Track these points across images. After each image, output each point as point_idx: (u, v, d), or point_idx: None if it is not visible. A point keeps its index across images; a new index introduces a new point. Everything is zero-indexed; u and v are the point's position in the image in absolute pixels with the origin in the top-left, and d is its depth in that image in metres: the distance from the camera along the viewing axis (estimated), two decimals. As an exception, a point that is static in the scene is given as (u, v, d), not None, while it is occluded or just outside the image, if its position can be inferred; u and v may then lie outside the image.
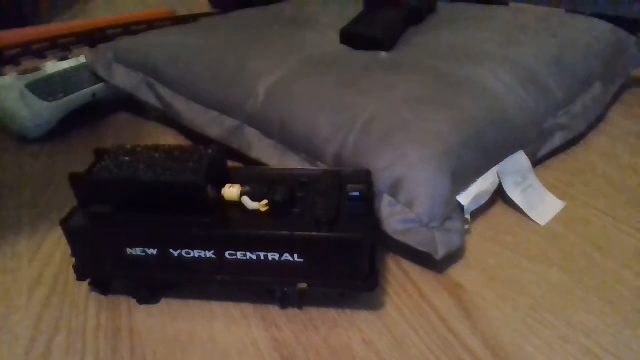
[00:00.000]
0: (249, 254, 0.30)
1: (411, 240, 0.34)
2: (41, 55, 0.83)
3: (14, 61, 0.80)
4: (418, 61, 0.48)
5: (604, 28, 0.58)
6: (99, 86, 0.59)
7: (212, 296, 0.34)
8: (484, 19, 0.59)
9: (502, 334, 0.30)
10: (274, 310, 0.33)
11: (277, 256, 0.30)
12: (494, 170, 0.39)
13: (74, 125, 0.58)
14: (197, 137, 0.52)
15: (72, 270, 0.36)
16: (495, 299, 0.33)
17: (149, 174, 0.29)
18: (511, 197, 0.40)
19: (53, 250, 0.39)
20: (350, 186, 0.33)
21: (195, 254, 0.31)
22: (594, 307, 0.32)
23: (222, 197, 0.32)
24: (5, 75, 0.55)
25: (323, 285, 0.31)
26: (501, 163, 0.40)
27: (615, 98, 0.61)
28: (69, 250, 0.32)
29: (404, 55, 0.50)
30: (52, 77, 0.56)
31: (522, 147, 0.42)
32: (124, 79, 0.57)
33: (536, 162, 0.46)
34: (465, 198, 0.37)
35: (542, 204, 0.41)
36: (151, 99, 0.55)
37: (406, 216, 0.35)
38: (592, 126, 0.54)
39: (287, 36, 0.56)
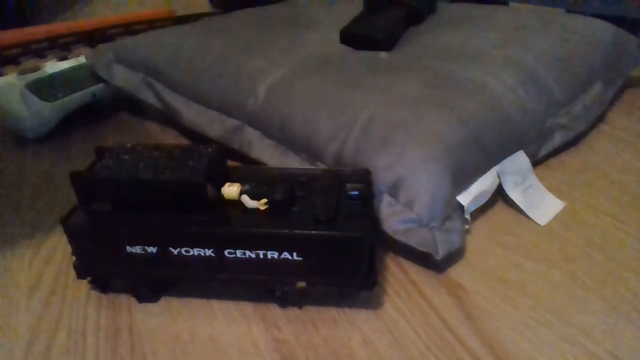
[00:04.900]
0: (248, 253, 0.30)
1: (411, 240, 0.34)
2: (41, 55, 0.83)
3: (14, 61, 0.80)
4: (418, 61, 0.48)
5: (604, 28, 0.58)
6: (99, 86, 0.59)
7: (212, 296, 0.34)
8: (484, 19, 0.59)
9: (502, 334, 0.30)
10: (274, 310, 0.33)
11: (276, 255, 0.30)
12: (494, 170, 0.39)
13: (74, 125, 0.58)
14: (197, 137, 0.52)
15: (72, 270, 0.36)
16: (495, 299, 0.33)
17: (149, 172, 0.29)
18: (511, 197, 0.40)
19: (53, 250, 0.39)
20: (349, 185, 0.33)
21: (194, 252, 0.31)
22: (594, 307, 0.32)
23: (222, 196, 0.32)
24: (5, 75, 0.55)
25: (322, 283, 0.31)
26: (501, 163, 0.40)
27: (615, 98, 0.61)
28: (69, 250, 0.32)
29: (404, 55, 0.50)
30: (52, 77, 0.56)
31: (522, 147, 0.42)
32: (124, 79, 0.57)
33: (536, 162, 0.46)
34: (465, 198, 0.37)
35: (542, 204, 0.41)
36: (151, 99, 0.55)
37: (406, 216, 0.35)
38: (592, 126, 0.54)
39: (287, 36, 0.56)
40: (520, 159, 0.41)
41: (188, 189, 0.29)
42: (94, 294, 0.34)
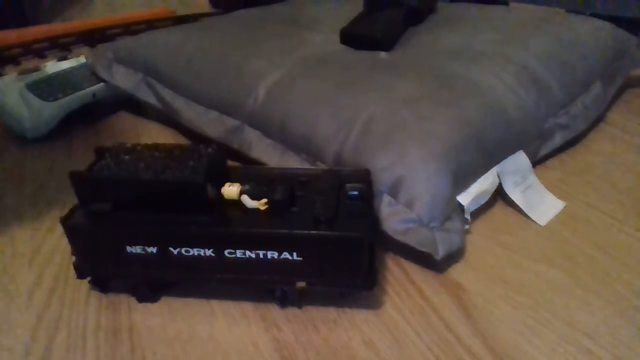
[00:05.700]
0: (248, 253, 0.30)
1: (411, 240, 0.34)
2: (41, 55, 0.83)
3: (14, 61, 0.80)
4: (418, 61, 0.48)
5: (604, 28, 0.58)
6: (99, 86, 0.59)
7: (212, 295, 0.34)
8: (484, 18, 0.59)
9: (502, 334, 0.30)
10: (274, 310, 0.33)
11: (276, 254, 0.30)
12: (494, 170, 0.39)
13: (74, 125, 0.58)
14: (197, 137, 0.52)
15: (72, 270, 0.36)
16: (495, 299, 0.33)
17: (149, 172, 0.29)
18: (511, 197, 0.40)
19: (53, 250, 0.39)
20: (349, 185, 0.33)
21: (194, 252, 0.31)
22: (594, 307, 0.32)
23: (222, 196, 0.32)
24: (5, 75, 0.55)
25: (322, 284, 0.31)
26: (501, 163, 0.40)
27: (615, 98, 0.61)
28: (69, 250, 0.32)
29: (404, 55, 0.50)
30: (52, 77, 0.56)
31: (522, 147, 0.42)
32: (124, 79, 0.57)
33: (536, 162, 0.46)
34: (465, 198, 0.37)
35: (542, 204, 0.41)
36: (151, 99, 0.55)
37: (406, 216, 0.35)
38: (592, 126, 0.54)
39: (287, 36, 0.56)
40: (520, 159, 0.41)
41: (188, 189, 0.29)
42: (94, 294, 0.34)
